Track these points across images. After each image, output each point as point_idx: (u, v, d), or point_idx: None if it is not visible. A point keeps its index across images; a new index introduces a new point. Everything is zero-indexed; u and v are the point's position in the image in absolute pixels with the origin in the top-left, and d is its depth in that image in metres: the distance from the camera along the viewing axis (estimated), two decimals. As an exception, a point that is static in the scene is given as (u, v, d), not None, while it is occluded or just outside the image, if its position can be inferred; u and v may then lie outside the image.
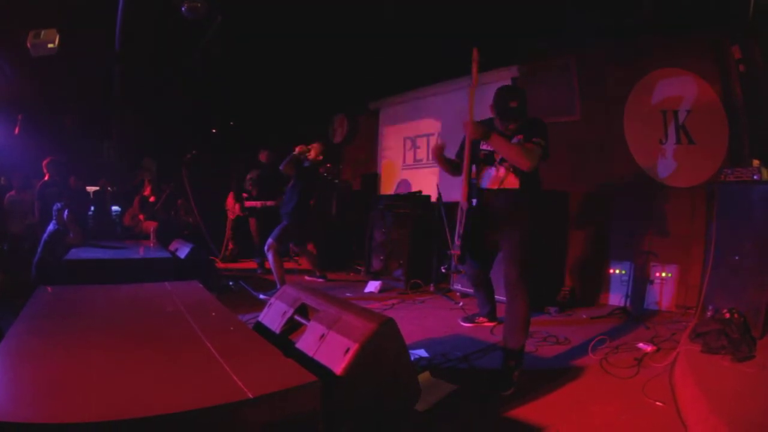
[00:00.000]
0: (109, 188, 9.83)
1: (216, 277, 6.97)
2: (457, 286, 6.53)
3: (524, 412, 2.98)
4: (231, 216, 9.34)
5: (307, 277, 7.66)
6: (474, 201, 3.99)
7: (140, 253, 6.14)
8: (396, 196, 8.17)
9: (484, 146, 3.89)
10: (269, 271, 7.46)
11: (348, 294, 6.60)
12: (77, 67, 7.76)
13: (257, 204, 8.73)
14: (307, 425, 1.95)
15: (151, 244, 7.00)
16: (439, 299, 6.39)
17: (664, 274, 5.63)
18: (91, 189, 9.45)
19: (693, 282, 5.46)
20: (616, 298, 5.89)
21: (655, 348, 4.14)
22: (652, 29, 5.91)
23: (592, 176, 6.39)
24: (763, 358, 3.32)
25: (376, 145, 10.46)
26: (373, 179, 10.44)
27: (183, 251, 6.31)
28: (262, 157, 9.11)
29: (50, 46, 6.39)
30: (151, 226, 8.02)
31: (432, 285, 6.87)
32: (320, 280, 7.53)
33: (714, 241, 4.44)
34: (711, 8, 5.26)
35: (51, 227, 5.97)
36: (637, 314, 5.39)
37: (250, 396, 1.79)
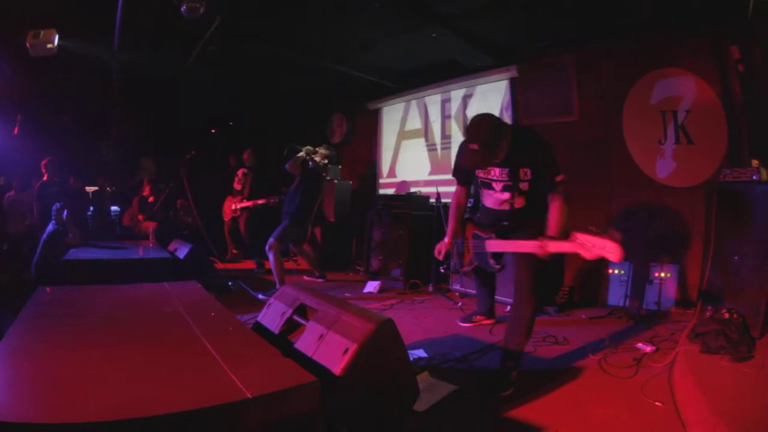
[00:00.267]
0: (108, 188, 9.83)
1: (215, 277, 6.97)
2: (456, 286, 6.54)
3: (523, 412, 2.98)
4: (225, 218, 9.35)
5: (306, 277, 7.66)
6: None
7: (139, 253, 6.13)
8: (395, 196, 8.16)
9: (481, 174, 3.76)
10: (268, 272, 7.47)
11: (347, 294, 6.60)
12: (76, 67, 7.76)
13: (249, 204, 8.82)
14: (306, 425, 1.96)
15: (150, 245, 6.99)
16: (438, 299, 6.39)
17: (663, 274, 5.63)
18: (90, 189, 9.44)
19: (692, 282, 5.47)
20: (615, 298, 5.88)
21: (654, 348, 4.14)
22: (650, 29, 5.91)
23: (590, 176, 6.38)
24: (762, 358, 3.32)
25: (375, 144, 10.46)
26: (372, 179, 10.45)
27: (182, 251, 6.31)
28: (245, 156, 9.17)
29: (49, 46, 6.38)
30: (150, 226, 8.01)
31: (431, 285, 6.87)
32: (319, 280, 7.54)
33: (713, 242, 4.46)
34: (710, 8, 5.26)
35: (50, 227, 5.97)
36: (636, 314, 5.39)
37: (249, 396, 1.79)
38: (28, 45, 6.31)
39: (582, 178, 6.30)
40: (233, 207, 9.09)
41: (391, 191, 9.65)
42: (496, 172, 3.61)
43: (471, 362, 3.91)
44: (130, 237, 8.50)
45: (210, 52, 7.22)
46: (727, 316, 3.65)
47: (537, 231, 3.43)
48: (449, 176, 8.27)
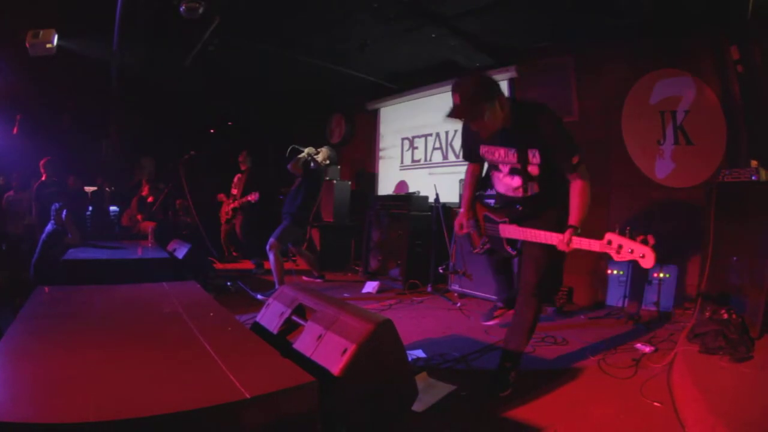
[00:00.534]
0: (107, 189, 9.83)
1: (214, 278, 6.97)
2: (455, 287, 6.54)
3: (522, 413, 2.98)
4: (223, 220, 9.36)
5: (305, 278, 7.66)
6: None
7: (138, 253, 6.12)
8: (394, 197, 8.16)
9: (487, 154, 3.55)
10: (267, 272, 7.48)
11: (346, 294, 6.60)
12: (75, 67, 7.76)
13: (236, 204, 8.88)
14: (305, 426, 1.95)
15: (149, 245, 6.99)
16: (436, 299, 6.39)
17: (662, 275, 5.63)
18: (89, 189, 9.44)
19: (691, 282, 5.47)
20: (614, 299, 5.89)
21: (653, 348, 4.14)
22: (650, 30, 5.92)
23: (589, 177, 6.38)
24: (761, 359, 3.32)
25: (374, 145, 10.46)
26: (370, 179, 10.47)
27: (181, 251, 6.30)
28: (240, 158, 9.19)
29: (48, 46, 6.39)
30: (149, 226, 8.01)
31: (430, 285, 6.87)
32: (318, 280, 7.54)
33: (712, 242, 4.45)
34: (709, 9, 5.27)
35: (49, 227, 5.97)
36: (635, 315, 5.39)
37: (248, 396, 1.79)
38: (27, 45, 6.32)
39: (581, 179, 6.31)
40: (227, 210, 9.13)
41: (389, 191, 9.66)
42: (500, 153, 3.40)
43: (469, 363, 3.91)
44: (129, 237, 8.50)
45: (209, 52, 7.23)
46: (726, 316, 3.66)
47: (556, 225, 3.29)
48: (448, 177, 8.34)
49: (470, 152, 3.73)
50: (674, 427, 2.80)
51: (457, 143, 8.46)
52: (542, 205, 3.49)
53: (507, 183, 3.54)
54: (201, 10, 5.68)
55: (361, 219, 8.41)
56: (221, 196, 9.42)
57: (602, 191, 6.29)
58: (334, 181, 9.14)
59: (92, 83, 8.85)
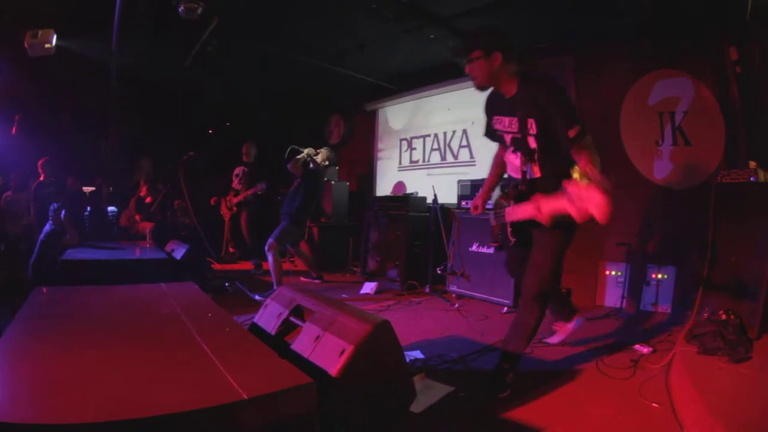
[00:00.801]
0: (106, 188, 9.81)
1: (212, 278, 6.96)
2: (453, 288, 6.54)
3: (520, 414, 2.98)
4: (226, 218, 9.33)
5: (303, 278, 7.66)
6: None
7: (136, 254, 6.11)
8: (392, 198, 8.17)
9: (495, 121, 3.41)
10: (265, 273, 7.48)
11: (344, 295, 6.60)
12: (74, 67, 7.76)
13: (241, 197, 8.80)
14: (303, 427, 1.95)
15: (147, 245, 6.98)
16: (435, 300, 6.39)
17: (660, 276, 5.64)
18: (87, 189, 9.42)
19: (689, 283, 5.47)
20: (612, 300, 5.89)
21: (651, 349, 4.14)
22: (649, 30, 5.92)
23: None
24: (759, 359, 3.32)
25: (373, 146, 10.48)
26: (369, 180, 10.48)
27: (179, 252, 6.29)
28: (244, 149, 9.14)
29: (47, 46, 6.39)
30: (147, 227, 8.01)
31: (428, 286, 6.86)
32: (316, 281, 7.54)
33: (710, 243, 4.46)
34: (708, 10, 5.27)
35: (48, 228, 5.96)
36: (633, 316, 5.39)
37: (245, 397, 1.79)
38: (26, 45, 6.32)
39: (579, 179, 6.30)
40: (229, 204, 9.07)
41: (387, 192, 9.67)
42: (506, 122, 3.30)
43: (468, 363, 3.90)
44: (128, 237, 8.48)
45: (208, 52, 7.23)
46: (724, 317, 3.66)
47: (556, 236, 3.17)
48: (447, 178, 8.34)
49: (487, 127, 3.63)
50: (673, 427, 2.80)
51: (456, 144, 8.47)
52: (544, 188, 3.06)
53: (512, 162, 3.41)
54: (200, 11, 5.68)
55: (359, 219, 8.42)
56: (214, 201, 9.38)
57: (600, 192, 6.28)
58: (333, 182, 9.14)
59: (91, 83, 8.84)
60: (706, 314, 4.00)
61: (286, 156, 6.72)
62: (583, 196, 2.45)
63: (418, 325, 5.14)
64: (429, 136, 9.11)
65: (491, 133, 3.60)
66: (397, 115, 9.89)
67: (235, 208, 8.98)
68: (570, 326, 4.19)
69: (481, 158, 7.83)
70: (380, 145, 10.32)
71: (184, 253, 6.20)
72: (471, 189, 6.70)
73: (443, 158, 8.79)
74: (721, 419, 2.45)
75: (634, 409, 3.04)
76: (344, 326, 2.47)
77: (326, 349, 2.41)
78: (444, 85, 8.56)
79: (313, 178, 6.80)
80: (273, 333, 3.03)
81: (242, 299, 6.13)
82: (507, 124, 3.30)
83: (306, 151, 6.73)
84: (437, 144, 8.91)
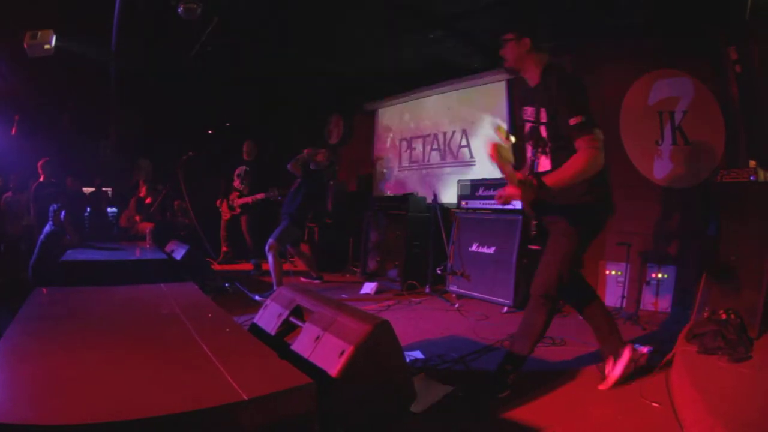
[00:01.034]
0: (105, 189, 9.81)
1: (212, 279, 6.96)
2: (453, 287, 6.53)
3: (520, 414, 2.97)
4: (225, 217, 9.30)
5: (302, 279, 7.66)
6: None
7: (136, 254, 6.12)
8: (392, 197, 8.17)
9: (524, 115, 3.36)
10: (265, 273, 7.48)
11: (344, 295, 6.60)
12: (74, 68, 7.76)
13: (248, 200, 8.74)
14: (303, 427, 1.96)
15: (147, 246, 6.98)
16: (435, 300, 6.39)
17: (660, 275, 5.64)
18: (87, 190, 9.42)
19: (689, 283, 5.47)
20: (612, 299, 5.88)
21: (651, 349, 4.13)
22: (648, 30, 5.92)
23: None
24: (759, 359, 3.32)
25: (372, 146, 10.47)
26: (368, 180, 10.47)
27: (179, 253, 6.30)
28: (245, 148, 9.12)
29: (46, 47, 6.39)
30: (147, 227, 8.01)
31: (428, 286, 6.87)
32: (316, 281, 7.55)
33: (710, 242, 4.45)
34: (707, 9, 5.27)
35: (47, 228, 5.96)
36: (633, 315, 5.39)
37: (245, 398, 1.79)
38: (25, 46, 6.31)
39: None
40: (232, 203, 9.03)
41: (387, 192, 9.67)
42: (529, 112, 3.32)
43: (468, 363, 3.90)
44: (127, 238, 8.48)
45: (207, 52, 7.23)
46: (724, 316, 3.65)
47: (570, 222, 3.09)
48: (446, 177, 8.34)
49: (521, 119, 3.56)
50: (673, 427, 2.79)
51: (455, 144, 8.47)
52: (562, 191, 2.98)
53: (529, 155, 3.37)
54: (199, 11, 5.68)
55: (359, 220, 8.41)
56: (219, 202, 9.35)
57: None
58: (332, 182, 9.14)
59: (91, 84, 8.84)
60: (706, 314, 3.99)
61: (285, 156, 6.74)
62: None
63: (418, 325, 5.14)
64: (429, 136, 9.10)
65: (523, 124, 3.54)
66: (397, 115, 9.88)
67: (238, 209, 8.94)
68: (622, 362, 3.47)
69: (481, 158, 7.82)
70: (380, 145, 10.31)
71: (184, 253, 6.20)
72: (471, 189, 6.69)
73: (443, 158, 8.79)
74: (721, 419, 2.45)
75: (634, 409, 3.04)
76: (344, 326, 2.47)
77: (326, 350, 2.42)
78: (443, 85, 8.56)
79: (314, 179, 6.81)
80: (273, 333, 3.03)
81: (242, 300, 6.13)
82: (529, 113, 3.33)
83: (306, 151, 6.74)
84: (437, 144, 8.91)
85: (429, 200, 7.30)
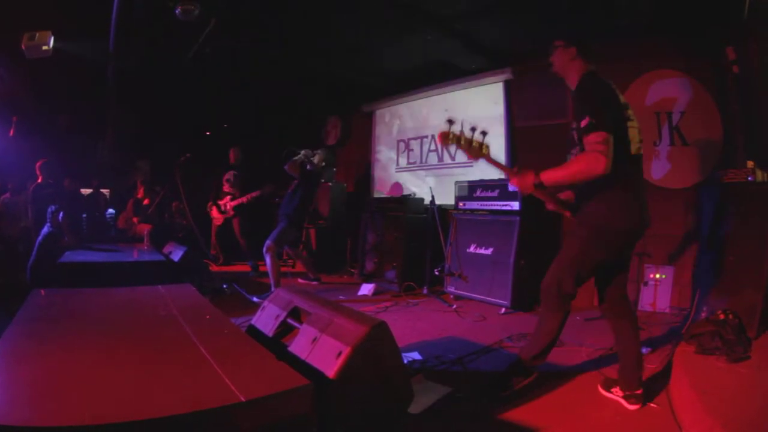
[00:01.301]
0: (103, 191, 9.79)
1: (209, 280, 6.95)
2: (451, 289, 6.54)
3: (519, 415, 2.97)
4: (216, 223, 9.28)
5: (300, 280, 7.66)
6: None
7: (134, 256, 6.11)
8: (389, 199, 8.18)
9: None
10: (263, 274, 7.47)
11: (341, 297, 6.60)
12: (72, 69, 7.75)
13: (243, 199, 8.75)
14: (300, 429, 1.95)
15: (145, 247, 6.98)
16: (432, 302, 6.39)
17: (658, 276, 5.64)
18: (85, 191, 9.41)
19: (687, 283, 5.48)
20: (610, 300, 5.89)
21: (649, 349, 4.14)
22: (646, 30, 5.92)
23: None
24: (758, 359, 3.32)
25: (370, 147, 10.47)
26: (366, 181, 10.47)
27: (177, 254, 6.29)
28: (231, 154, 9.17)
29: (44, 48, 6.38)
30: (144, 228, 8.00)
31: (425, 287, 6.87)
32: (314, 282, 7.54)
33: (708, 243, 4.46)
34: (705, 10, 5.27)
35: (45, 230, 5.96)
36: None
37: (243, 399, 1.79)
38: (23, 47, 6.30)
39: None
40: (224, 208, 9.03)
41: (385, 193, 9.67)
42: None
43: (465, 364, 3.90)
44: (125, 240, 8.47)
45: (205, 53, 7.22)
46: (722, 317, 3.65)
47: (593, 228, 3.05)
48: (444, 179, 8.34)
49: None
50: (671, 428, 2.80)
51: (453, 145, 8.46)
52: (584, 194, 3.13)
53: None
54: (196, 12, 5.68)
55: (356, 221, 8.41)
56: (209, 207, 9.35)
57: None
58: (330, 183, 9.14)
59: (88, 85, 8.83)
60: (704, 314, 4.00)
61: (283, 157, 6.73)
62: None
63: (416, 326, 5.14)
64: (426, 137, 9.10)
65: None
66: (395, 117, 9.88)
67: (231, 212, 8.93)
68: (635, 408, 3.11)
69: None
70: (377, 147, 10.30)
71: (182, 255, 6.20)
72: (468, 190, 6.69)
73: (440, 159, 8.78)
74: (719, 419, 2.45)
75: (633, 410, 3.03)
76: (341, 328, 2.47)
77: (323, 351, 2.41)
78: (441, 87, 8.56)
79: (311, 180, 6.81)
80: (270, 335, 3.02)
81: (240, 301, 6.13)
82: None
83: (303, 152, 6.74)
84: (435, 145, 8.90)
85: (427, 201, 7.29)
